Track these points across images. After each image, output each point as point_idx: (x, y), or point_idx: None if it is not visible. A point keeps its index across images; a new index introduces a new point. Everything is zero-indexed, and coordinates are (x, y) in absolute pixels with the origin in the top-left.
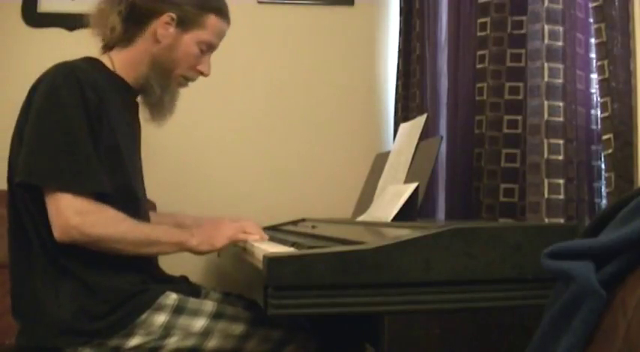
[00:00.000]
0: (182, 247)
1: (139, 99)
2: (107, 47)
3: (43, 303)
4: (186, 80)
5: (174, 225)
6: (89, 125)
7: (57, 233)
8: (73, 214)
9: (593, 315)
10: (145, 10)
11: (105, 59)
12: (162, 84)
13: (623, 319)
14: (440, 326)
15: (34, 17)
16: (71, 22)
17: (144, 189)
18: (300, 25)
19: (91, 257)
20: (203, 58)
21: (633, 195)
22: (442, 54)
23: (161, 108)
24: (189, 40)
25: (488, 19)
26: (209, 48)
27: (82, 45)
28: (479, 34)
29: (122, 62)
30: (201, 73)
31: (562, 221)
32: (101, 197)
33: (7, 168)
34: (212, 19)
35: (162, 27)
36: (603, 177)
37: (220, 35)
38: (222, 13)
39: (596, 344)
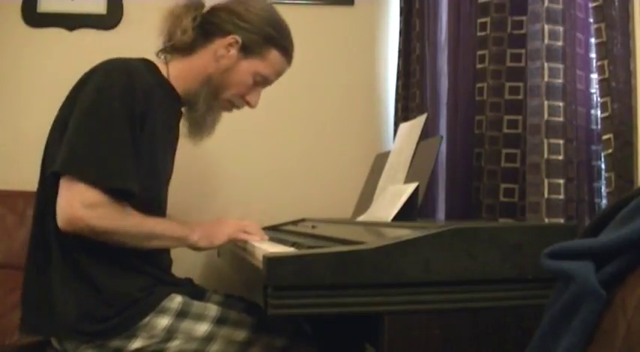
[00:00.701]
0: (183, 242)
1: (185, 114)
2: (168, 50)
3: (52, 299)
4: (232, 106)
5: None
6: (132, 126)
7: (62, 222)
8: (82, 206)
9: (593, 315)
10: (215, 26)
11: (160, 64)
12: (210, 103)
13: (623, 319)
14: (440, 326)
15: (34, 17)
16: (71, 22)
17: (166, 197)
18: (300, 25)
19: (105, 260)
20: (254, 90)
21: (633, 195)
22: (442, 54)
23: (202, 126)
24: (247, 67)
25: (488, 19)
26: (263, 81)
27: (82, 45)
28: (479, 34)
29: (177, 72)
30: (248, 104)
31: (562, 221)
32: (126, 197)
33: (42, 156)
34: (274, 55)
35: (225, 47)
36: (603, 177)
37: (278, 73)
38: (287, 52)
39: (596, 344)
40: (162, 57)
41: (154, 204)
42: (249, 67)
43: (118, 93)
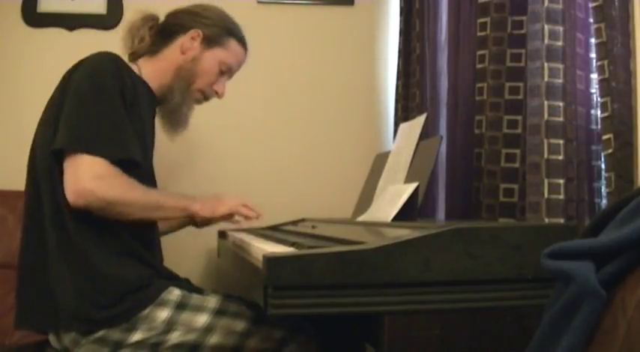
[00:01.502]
0: (186, 211)
1: (159, 109)
2: (133, 57)
3: (51, 289)
4: (202, 96)
5: None
6: (125, 107)
7: (72, 196)
8: (91, 178)
9: (593, 315)
10: (175, 26)
11: (133, 66)
12: (183, 94)
13: (623, 319)
14: (440, 326)
15: (34, 17)
16: (71, 22)
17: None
18: (300, 25)
19: (102, 244)
20: (220, 79)
21: (633, 195)
22: (442, 54)
23: (178, 117)
24: (211, 56)
25: (488, 19)
26: (227, 70)
27: (82, 45)
28: (479, 34)
29: (148, 70)
30: (217, 94)
31: (562, 221)
32: (132, 166)
33: (29, 156)
34: (233, 44)
35: (189, 40)
36: (603, 177)
37: (239, 61)
38: (243, 43)
39: (596, 344)
40: (132, 61)
41: (148, 180)
42: (214, 56)
43: (109, 76)
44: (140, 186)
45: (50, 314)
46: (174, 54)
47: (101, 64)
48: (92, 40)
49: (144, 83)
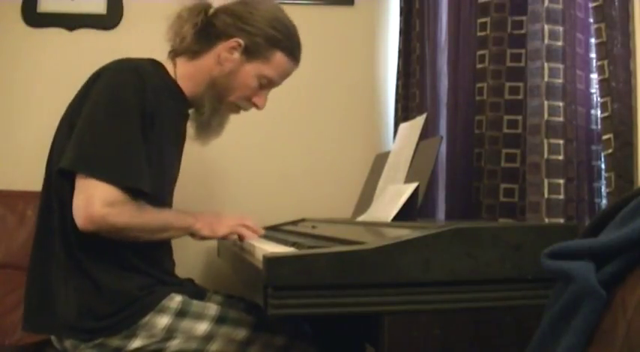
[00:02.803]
0: (188, 231)
1: (190, 111)
2: (174, 53)
3: (54, 296)
4: (238, 109)
5: None
6: (143, 125)
7: (81, 221)
8: (103, 205)
9: (593, 315)
10: (218, 30)
11: (169, 65)
12: (214, 106)
13: (623, 319)
14: (440, 326)
15: (34, 17)
16: (71, 22)
17: (172, 197)
18: (300, 25)
19: (107, 259)
20: (260, 92)
21: (633, 195)
22: (442, 54)
23: (207, 129)
24: (251, 70)
25: (488, 19)
26: (269, 84)
27: (82, 45)
28: (479, 34)
29: (183, 73)
30: (255, 106)
31: (562, 221)
32: (138, 196)
33: (49, 154)
34: (279, 57)
35: (228, 50)
36: (603, 177)
37: (284, 75)
38: (292, 54)
39: (596, 344)
40: (170, 58)
41: (160, 203)
42: (253, 69)
43: (129, 92)
44: (149, 210)
45: (52, 321)
46: (211, 62)
47: (121, 77)
48: (92, 40)
49: (175, 87)
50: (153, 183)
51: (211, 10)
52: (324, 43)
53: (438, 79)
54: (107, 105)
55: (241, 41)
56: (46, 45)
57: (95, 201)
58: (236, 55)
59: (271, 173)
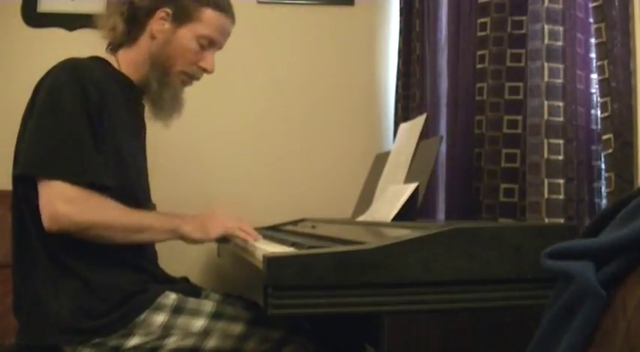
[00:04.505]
0: (174, 234)
1: (144, 100)
2: (113, 48)
3: (44, 301)
4: (188, 77)
5: None
6: (90, 122)
7: (46, 222)
8: (62, 202)
9: (593, 315)
10: (144, 9)
11: (111, 59)
12: (161, 81)
13: (623, 319)
14: (440, 326)
15: (34, 17)
16: (71, 22)
17: (148, 190)
18: (300, 25)
19: (92, 255)
20: (205, 54)
21: (633, 196)
22: (442, 54)
23: (161, 105)
24: (186, 34)
25: (488, 19)
26: (210, 43)
27: (82, 45)
28: (479, 34)
29: (126, 62)
30: (204, 70)
31: (562, 221)
32: (101, 191)
33: (13, 164)
34: (209, 13)
35: (157, 23)
36: (603, 177)
37: (221, 30)
38: (220, 7)
39: (596, 344)
40: (111, 52)
41: (130, 197)
42: (188, 32)
43: (69, 90)
44: (119, 208)
45: (47, 328)
46: (146, 41)
47: (59, 78)
48: (92, 40)
49: (122, 78)
50: (120, 177)
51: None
52: (324, 43)
53: (438, 79)
54: (50, 108)
55: (168, 9)
56: (46, 45)
57: (55, 200)
58: (167, 24)
59: (271, 173)
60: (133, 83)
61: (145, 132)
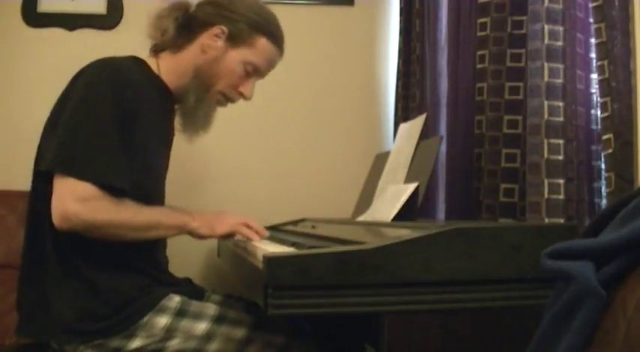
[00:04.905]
0: (182, 229)
1: (176, 107)
2: (156, 50)
3: (48, 300)
4: (225, 99)
5: None
6: (121, 123)
7: (56, 220)
8: (73, 201)
9: (594, 315)
10: (201, 20)
11: (151, 61)
12: (200, 96)
13: (623, 319)
14: (440, 326)
15: (34, 17)
16: (71, 22)
17: (163, 193)
18: (300, 25)
19: (100, 258)
20: (247, 80)
21: (633, 196)
22: (442, 54)
23: (193, 119)
24: (235, 56)
25: (488, 19)
26: (255, 71)
27: (82, 45)
28: (479, 34)
29: (167, 68)
30: (242, 95)
31: (562, 221)
32: (117, 194)
33: (35, 157)
34: (262, 42)
35: (211, 38)
36: (603, 177)
37: (269, 61)
38: (275, 39)
39: (596, 344)
40: (153, 55)
41: (148, 200)
42: (238, 55)
43: (106, 89)
44: (130, 207)
45: (48, 326)
46: (195, 52)
47: (98, 76)
48: (92, 40)
49: (159, 82)
50: (139, 179)
51: (192, 8)
52: (324, 43)
53: (438, 79)
54: (84, 105)
55: (224, 28)
56: (46, 45)
57: (67, 197)
58: (220, 42)
59: (271, 173)
60: (169, 90)
61: (172, 140)
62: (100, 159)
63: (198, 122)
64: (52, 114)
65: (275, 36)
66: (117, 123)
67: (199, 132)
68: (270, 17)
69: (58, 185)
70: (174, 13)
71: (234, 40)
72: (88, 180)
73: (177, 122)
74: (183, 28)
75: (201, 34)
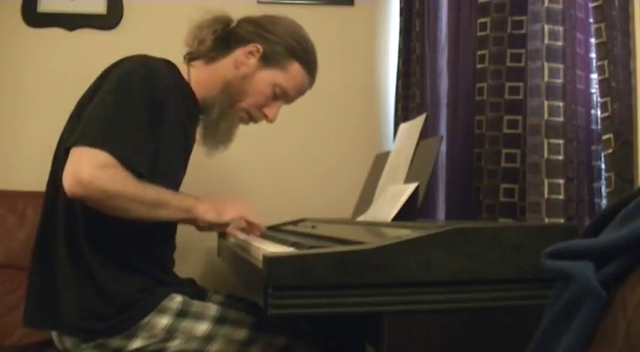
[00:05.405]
0: (189, 213)
1: (200, 117)
2: (190, 58)
3: (55, 295)
4: (249, 117)
5: None
6: (150, 116)
7: (69, 185)
8: (92, 167)
9: (593, 315)
10: (238, 37)
11: (183, 68)
12: (224, 110)
13: (623, 319)
14: (440, 326)
15: (34, 17)
16: (71, 22)
17: None
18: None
19: (109, 258)
20: (273, 103)
21: (633, 196)
22: (442, 54)
23: (214, 133)
24: (266, 77)
25: (488, 19)
26: (283, 95)
27: (82, 45)
28: (479, 34)
29: (198, 77)
30: (266, 117)
31: (562, 221)
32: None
33: (55, 150)
34: (296, 68)
35: (245, 55)
36: (603, 177)
37: (299, 87)
38: (309, 67)
39: (596, 344)
40: (186, 61)
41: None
42: (269, 76)
43: (139, 83)
44: (142, 182)
45: (53, 319)
46: (227, 66)
47: (132, 69)
48: (92, 40)
49: (187, 89)
50: (154, 181)
51: (233, 24)
52: (324, 43)
53: (438, 79)
54: (116, 93)
55: (260, 46)
56: (46, 45)
57: (85, 163)
58: (253, 60)
59: (271, 173)
60: (196, 99)
61: (192, 148)
62: (124, 137)
63: (218, 136)
64: (80, 105)
65: (309, 64)
66: (147, 116)
67: (219, 147)
68: (309, 45)
69: (76, 153)
70: (214, 26)
71: (267, 60)
72: (111, 152)
73: (198, 133)
74: (220, 41)
75: (236, 50)
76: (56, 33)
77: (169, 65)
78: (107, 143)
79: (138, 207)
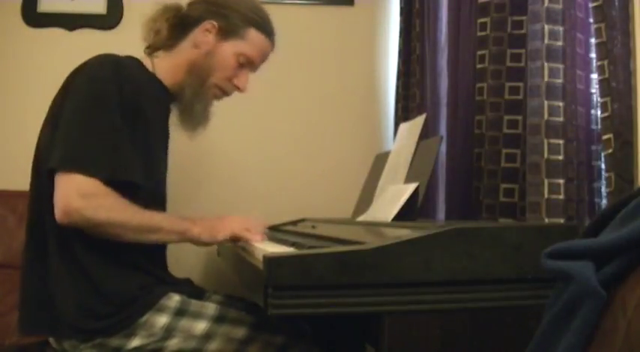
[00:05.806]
0: (184, 236)
1: (173, 106)
2: (150, 50)
3: (50, 296)
4: (221, 92)
5: None
6: (125, 118)
7: (58, 214)
8: (78, 197)
9: (593, 315)
10: (192, 19)
11: (147, 62)
12: (196, 90)
13: (623, 319)
14: (440, 326)
15: (34, 17)
16: (71, 22)
17: (165, 194)
18: (300, 25)
19: (103, 259)
20: (241, 72)
21: (633, 196)
22: (442, 54)
23: (190, 114)
24: (228, 49)
25: (488, 19)
26: (248, 62)
27: (82, 45)
28: (479, 34)
29: (162, 66)
30: (237, 87)
31: (562, 221)
32: (131, 188)
33: (34, 153)
34: (253, 33)
35: (202, 33)
36: (603, 177)
37: (261, 52)
38: (265, 30)
39: (596, 344)
40: (148, 54)
41: (154, 200)
42: (230, 48)
43: (107, 84)
44: (133, 208)
45: (50, 323)
46: (188, 49)
47: (99, 71)
48: (92, 40)
49: (156, 81)
50: (145, 179)
51: (183, 8)
52: (324, 43)
53: (438, 79)
54: (87, 99)
55: (214, 22)
56: (46, 45)
57: (72, 193)
58: (211, 36)
59: (271, 173)
60: (166, 88)
61: (168, 139)
62: (109, 156)
63: (196, 117)
64: (52, 110)
65: (264, 27)
66: (120, 119)
67: (197, 128)
68: (259, 10)
69: (64, 180)
70: (166, 14)
71: (224, 33)
72: (96, 176)
73: (175, 119)
74: (175, 28)
75: (193, 31)
76: (56, 33)
77: (134, 61)
78: (92, 166)
79: (128, 233)
